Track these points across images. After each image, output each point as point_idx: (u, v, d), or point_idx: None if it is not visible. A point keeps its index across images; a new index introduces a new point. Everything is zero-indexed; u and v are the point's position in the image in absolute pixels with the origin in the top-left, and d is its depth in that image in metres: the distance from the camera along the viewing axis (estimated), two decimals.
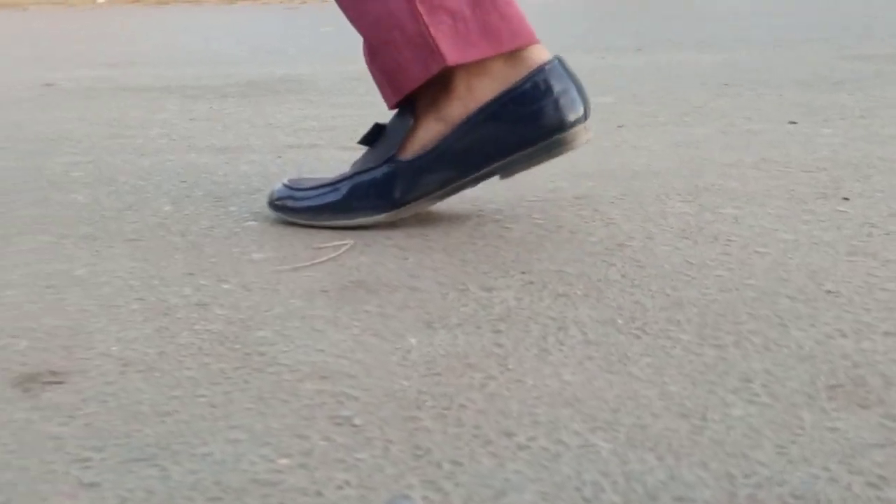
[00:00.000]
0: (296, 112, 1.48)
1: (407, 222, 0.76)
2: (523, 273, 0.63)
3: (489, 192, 0.86)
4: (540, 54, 0.73)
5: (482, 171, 0.72)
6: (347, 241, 0.72)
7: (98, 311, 0.57)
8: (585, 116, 0.72)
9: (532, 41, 0.73)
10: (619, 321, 0.53)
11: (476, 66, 0.71)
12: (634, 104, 1.44)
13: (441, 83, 0.72)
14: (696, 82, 1.68)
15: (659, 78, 1.77)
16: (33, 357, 0.50)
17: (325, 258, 0.67)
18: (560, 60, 0.73)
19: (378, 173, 0.74)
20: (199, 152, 1.12)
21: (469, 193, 0.83)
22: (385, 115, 0.85)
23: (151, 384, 0.46)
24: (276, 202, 0.77)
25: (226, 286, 0.61)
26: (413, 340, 0.51)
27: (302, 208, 0.76)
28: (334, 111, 1.49)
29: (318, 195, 0.76)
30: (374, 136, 0.76)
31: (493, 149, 0.72)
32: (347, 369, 0.47)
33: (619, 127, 1.23)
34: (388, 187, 0.73)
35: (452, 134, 0.72)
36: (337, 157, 1.08)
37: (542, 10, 5.06)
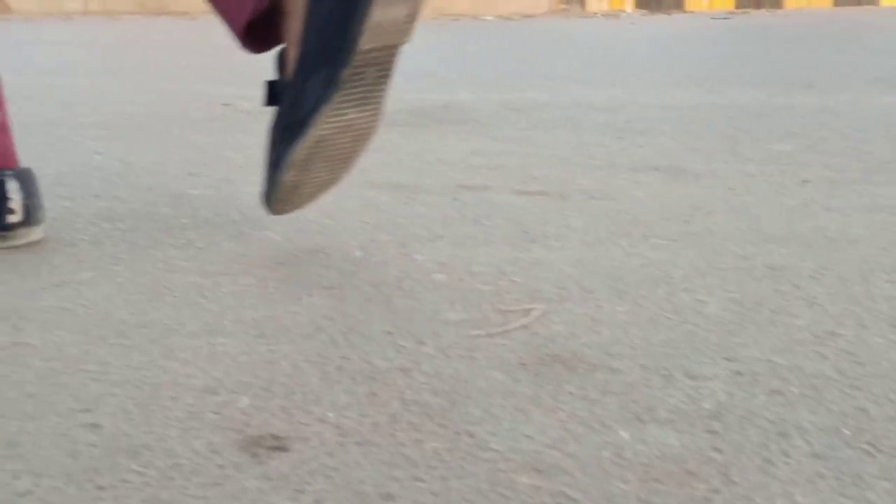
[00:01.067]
0: (461, 146, 1.50)
1: (597, 286, 0.75)
2: (728, 360, 0.60)
3: (672, 254, 0.83)
4: None
5: None
6: (536, 305, 0.71)
7: (308, 367, 0.59)
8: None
9: None
10: (845, 431, 0.50)
11: None
12: (816, 154, 1.38)
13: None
14: (880, 130, 1.59)
15: (838, 123, 1.68)
16: (256, 418, 0.52)
17: (516, 324, 0.67)
18: None
19: None
20: (377, 189, 1.15)
21: (651, 254, 0.82)
22: None
23: (370, 460, 0.47)
24: None
25: (425, 349, 0.62)
26: (624, 435, 0.50)
27: None
28: (499, 146, 1.50)
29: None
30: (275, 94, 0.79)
31: None
32: (561, 463, 0.47)
33: (804, 182, 1.17)
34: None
35: None
36: (511, 202, 1.08)
37: (686, 37, 4.94)
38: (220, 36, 5.55)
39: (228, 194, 1.12)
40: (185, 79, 2.77)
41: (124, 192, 1.13)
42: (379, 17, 0.70)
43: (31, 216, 0.89)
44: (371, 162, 1.35)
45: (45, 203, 0.98)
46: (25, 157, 1.27)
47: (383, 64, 0.74)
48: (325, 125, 0.74)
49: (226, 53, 3.95)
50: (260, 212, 1.02)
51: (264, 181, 0.83)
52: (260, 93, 2.32)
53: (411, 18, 0.73)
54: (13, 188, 0.88)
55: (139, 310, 0.70)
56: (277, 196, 0.81)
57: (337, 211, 1.03)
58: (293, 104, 0.76)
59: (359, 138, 0.79)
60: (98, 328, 0.66)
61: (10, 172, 0.88)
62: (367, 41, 0.71)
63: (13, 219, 0.87)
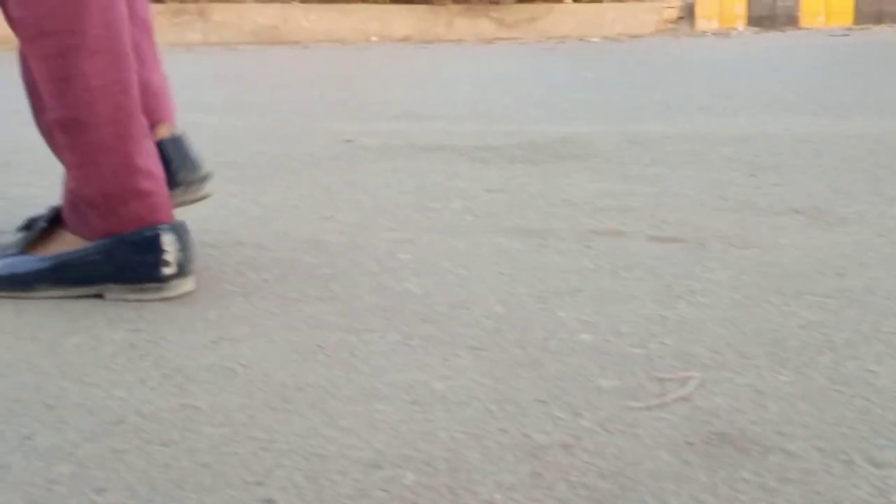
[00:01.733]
0: (587, 185, 1.48)
1: (755, 352, 0.72)
2: None
3: (832, 315, 0.79)
4: None
5: None
6: (692, 373, 0.69)
7: (468, 441, 0.59)
8: None
9: None
10: None
11: None
12: None
13: None
14: None
15: None
16: (423, 497, 0.52)
17: (674, 395, 0.65)
18: None
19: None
20: (506, 235, 1.15)
21: (809, 314, 0.78)
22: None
23: None
24: None
25: (583, 422, 0.61)
26: None
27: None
28: (625, 185, 1.47)
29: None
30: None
31: None
32: None
33: None
34: None
35: None
36: (647, 250, 1.06)
37: (804, 56, 4.76)
38: (333, 65, 5.68)
39: (363, 241, 1.14)
40: (305, 113, 2.85)
41: (264, 238, 1.17)
42: None
43: (184, 268, 0.93)
44: (497, 203, 1.35)
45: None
46: None
47: None
48: None
49: (340, 85, 4.05)
50: (396, 261, 1.03)
51: None
52: (380, 127, 2.36)
53: None
54: (169, 241, 0.92)
55: (296, 371, 0.71)
56: None
57: (471, 260, 1.03)
58: None
59: None
60: (261, 391, 0.68)
61: (167, 226, 0.92)
62: None
63: (168, 271, 0.91)
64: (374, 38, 9.63)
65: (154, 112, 1.07)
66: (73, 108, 0.90)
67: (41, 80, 0.91)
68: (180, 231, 0.93)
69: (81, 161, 0.91)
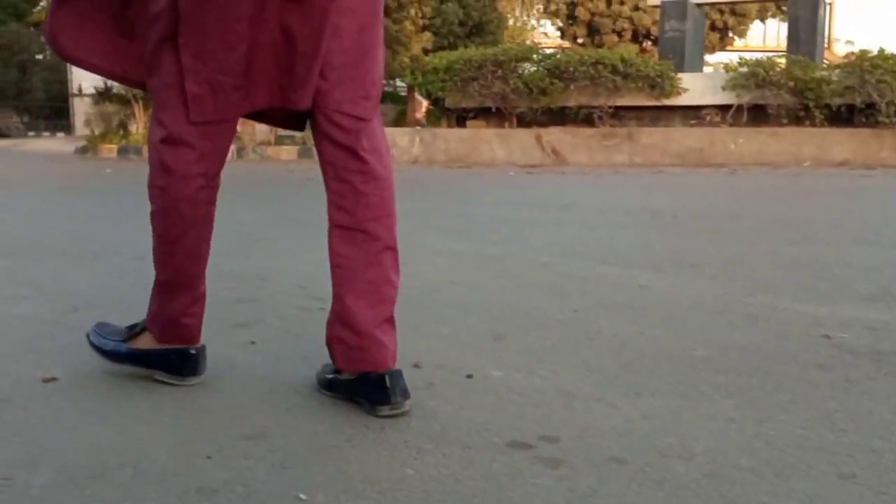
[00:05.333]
0: None
1: None
2: None
3: None
4: None
5: None
6: None
7: None
8: None
9: None
10: None
11: None
12: None
13: None
14: None
15: None
16: None
17: None
18: None
19: None
20: None
21: None
22: None
23: None
24: None
25: None
26: None
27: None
28: None
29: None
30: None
31: None
32: None
33: None
34: None
35: None
36: None
37: None
38: (765, 192, 5.50)
39: None
40: (753, 273, 2.80)
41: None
42: None
43: (197, 371, 1.71)
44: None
45: None
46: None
47: None
48: None
49: (786, 228, 3.91)
50: None
51: None
52: (855, 313, 2.25)
53: None
54: (192, 355, 1.71)
55: None
56: None
57: None
58: None
59: None
60: None
61: (195, 347, 1.69)
62: None
63: (191, 372, 1.73)
64: (807, 163, 9.20)
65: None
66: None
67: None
68: (202, 350, 1.68)
69: (152, 294, 1.65)
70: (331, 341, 1.57)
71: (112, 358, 1.72)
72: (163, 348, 1.66)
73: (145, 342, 1.67)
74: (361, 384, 1.52)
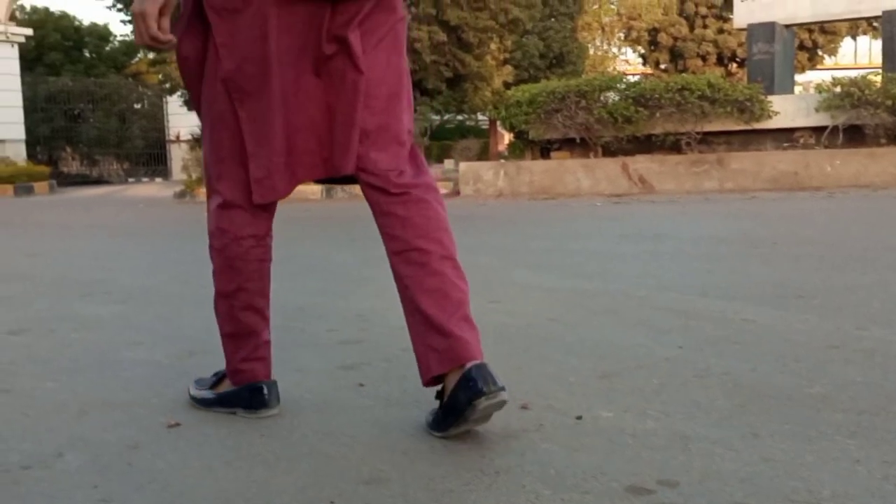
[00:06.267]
0: None
1: None
2: None
3: None
4: None
5: None
6: None
7: None
8: None
9: None
10: None
11: None
12: None
13: None
14: None
15: None
16: None
17: None
18: None
19: None
20: None
21: None
22: None
23: None
24: None
25: None
26: None
27: None
28: None
29: None
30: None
31: None
32: None
33: None
34: None
35: None
36: None
37: None
38: (866, 218, 5.28)
39: None
40: (875, 313, 2.69)
41: None
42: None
43: (269, 403, 1.83)
44: None
45: None
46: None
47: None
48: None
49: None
50: None
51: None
52: None
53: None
54: (265, 389, 1.84)
55: None
56: None
57: None
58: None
59: None
60: None
61: (266, 382, 1.86)
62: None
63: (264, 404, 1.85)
64: None
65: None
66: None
67: None
68: (271, 385, 1.81)
69: (222, 344, 1.84)
70: (420, 355, 1.65)
71: (205, 405, 1.88)
72: (237, 388, 1.83)
73: (225, 386, 1.86)
74: (459, 388, 1.57)
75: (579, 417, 1.75)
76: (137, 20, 1.50)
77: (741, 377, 2.00)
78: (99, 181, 21.96)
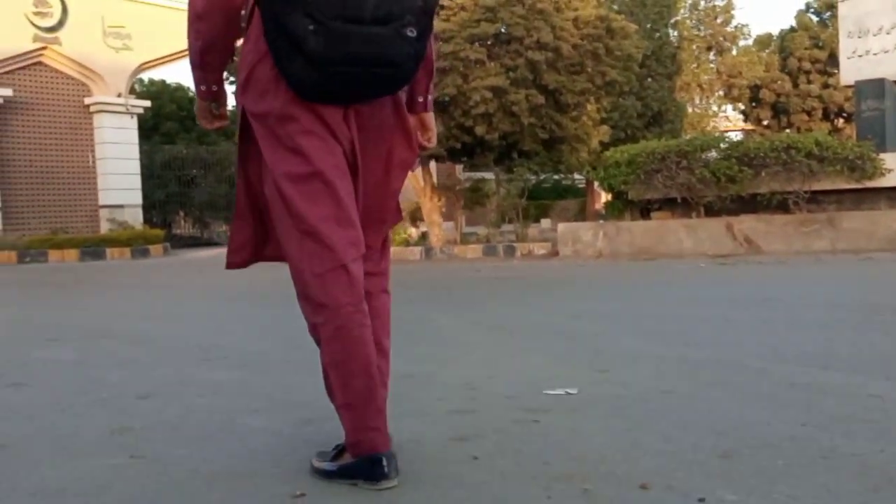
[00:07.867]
0: None
1: None
2: None
3: None
4: None
5: None
6: None
7: None
8: None
9: None
10: None
11: None
12: None
13: None
14: None
15: None
16: None
17: None
18: None
19: None
20: None
21: None
22: None
23: None
24: None
25: None
26: None
27: None
28: None
29: None
30: None
31: None
32: None
33: None
34: None
35: None
36: None
37: None
38: None
39: None
40: None
41: None
42: None
43: (389, 474, 1.87)
44: None
45: None
46: None
47: None
48: None
49: None
50: None
51: None
52: None
53: None
54: (384, 461, 1.88)
55: None
56: None
57: None
58: None
59: None
60: None
61: (384, 453, 1.87)
62: None
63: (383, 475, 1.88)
64: None
65: None
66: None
67: None
68: (390, 456, 1.84)
69: (339, 417, 1.92)
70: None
71: (327, 476, 1.93)
72: (357, 459, 1.87)
73: (345, 457, 1.92)
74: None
75: (702, 500, 1.70)
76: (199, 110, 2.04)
77: (871, 459, 1.92)
78: (209, 242, 22.93)
